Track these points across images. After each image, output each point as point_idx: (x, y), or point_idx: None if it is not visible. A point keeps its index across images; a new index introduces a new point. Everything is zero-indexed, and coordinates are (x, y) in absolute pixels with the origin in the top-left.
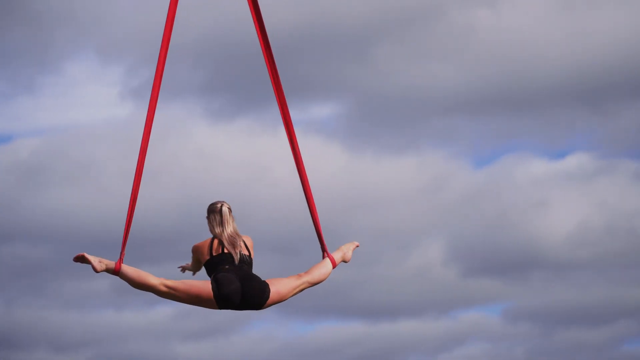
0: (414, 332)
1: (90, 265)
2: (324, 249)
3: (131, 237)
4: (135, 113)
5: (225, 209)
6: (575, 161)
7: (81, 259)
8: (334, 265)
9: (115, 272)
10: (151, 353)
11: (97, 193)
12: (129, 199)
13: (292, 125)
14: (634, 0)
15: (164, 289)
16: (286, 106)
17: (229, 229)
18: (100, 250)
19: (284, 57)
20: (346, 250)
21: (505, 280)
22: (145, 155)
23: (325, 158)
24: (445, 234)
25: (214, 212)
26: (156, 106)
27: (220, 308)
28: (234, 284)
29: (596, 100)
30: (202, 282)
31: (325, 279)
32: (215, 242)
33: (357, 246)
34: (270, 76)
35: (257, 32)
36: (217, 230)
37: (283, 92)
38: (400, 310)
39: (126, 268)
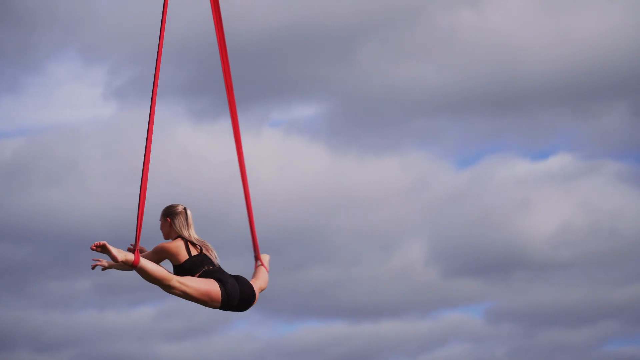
0: (396, 332)
1: (107, 256)
2: (257, 256)
3: (113, 237)
4: (118, 113)
5: (189, 211)
6: (557, 162)
7: (101, 248)
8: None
9: (134, 265)
10: (133, 353)
11: (80, 193)
12: (139, 194)
13: (239, 131)
14: (616, 2)
15: (177, 284)
16: (235, 109)
17: (194, 232)
18: (83, 250)
19: (268, 58)
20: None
21: (487, 280)
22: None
23: (309, 158)
24: (427, 235)
25: (180, 214)
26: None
27: (220, 309)
28: (236, 287)
29: (579, 101)
30: (209, 281)
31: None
32: (189, 243)
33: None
34: (225, 79)
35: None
36: (186, 232)
37: (233, 95)
38: (382, 311)
39: (145, 262)
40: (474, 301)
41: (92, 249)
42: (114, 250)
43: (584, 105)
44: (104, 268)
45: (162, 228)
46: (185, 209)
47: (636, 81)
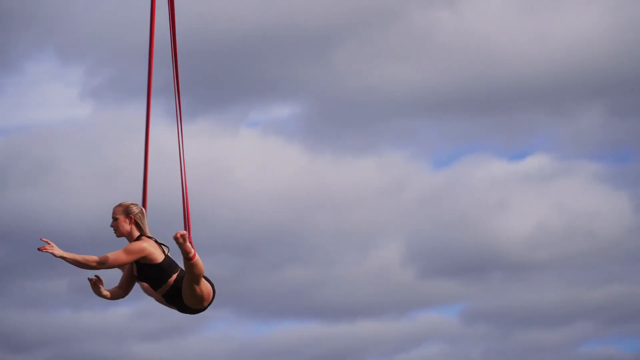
0: (372, 332)
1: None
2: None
3: (92, 236)
4: (95, 113)
5: (144, 210)
6: (534, 162)
7: (183, 239)
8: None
9: (191, 261)
10: (109, 353)
11: (57, 193)
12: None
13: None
14: (594, 3)
15: (202, 283)
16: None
17: None
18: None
19: (246, 59)
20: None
21: (463, 281)
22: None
23: (286, 158)
24: (404, 235)
25: (141, 213)
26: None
27: (204, 309)
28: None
29: (555, 102)
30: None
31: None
32: (156, 242)
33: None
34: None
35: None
36: (148, 231)
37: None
38: (358, 311)
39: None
40: (450, 302)
41: (177, 238)
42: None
43: (561, 106)
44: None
45: (120, 227)
46: (142, 207)
47: (612, 82)
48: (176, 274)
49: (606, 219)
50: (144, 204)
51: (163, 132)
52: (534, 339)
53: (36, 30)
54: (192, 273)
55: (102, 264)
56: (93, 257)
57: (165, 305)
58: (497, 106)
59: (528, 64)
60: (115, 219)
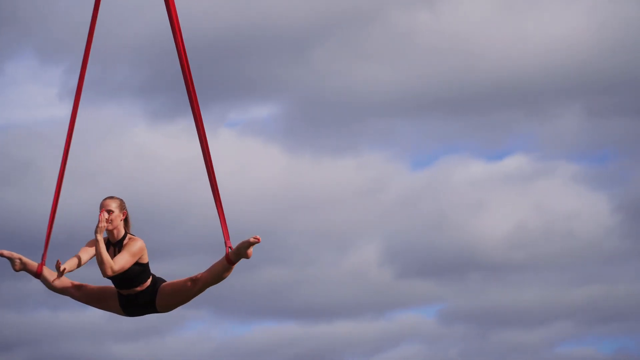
0: (350, 333)
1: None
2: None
3: (69, 237)
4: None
5: None
6: (513, 163)
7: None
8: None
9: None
10: (87, 353)
11: (35, 193)
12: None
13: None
14: (573, 3)
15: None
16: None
17: None
18: (38, 250)
19: (224, 59)
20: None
21: (441, 281)
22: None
23: (265, 159)
24: (382, 236)
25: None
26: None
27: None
28: None
29: (534, 102)
30: None
31: (221, 277)
32: None
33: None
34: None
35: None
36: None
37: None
38: (336, 311)
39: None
40: (428, 302)
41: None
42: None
43: (540, 107)
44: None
45: (114, 220)
46: None
47: (591, 83)
48: (152, 276)
49: (585, 220)
50: (53, 212)
51: (143, 132)
52: (512, 339)
53: (15, 30)
54: (221, 278)
55: (115, 272)
56: (112, 263)
57: (95, 305)
58: (476, 107)
59: (507, 64)
60: (110, 212)
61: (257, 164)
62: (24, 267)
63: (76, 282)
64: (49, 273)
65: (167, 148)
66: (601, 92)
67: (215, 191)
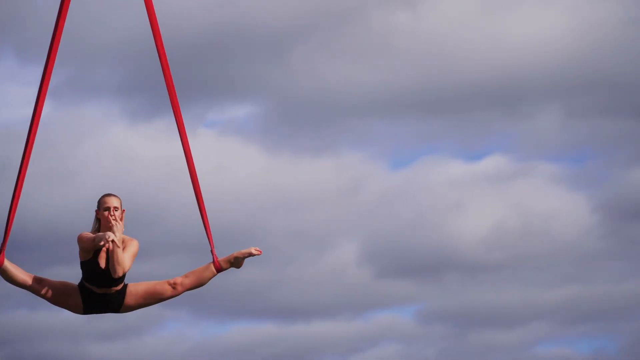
0: (327, 333)
1: None
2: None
3: (48, 237)
4: (52, 113)
5: None
6: (491, 163)
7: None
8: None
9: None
10: (64, 353)
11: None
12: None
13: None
14: (551, 4)
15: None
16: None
17: None
18: (13, 252)
19: (203, 58)
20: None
21: (419, 281)
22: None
23: (243, 159)
24: (360, 236)
25: None
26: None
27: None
28: None
29: (513, 102)
30: None
31: (204, 284)
32: None
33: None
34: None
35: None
36: None
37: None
38: (314, 311)
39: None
40: (406, 302)
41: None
42: None
43: (518, 108)
44: None
45: (122, 219)
46: None
47: (570, 83)
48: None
49: (563, 220)
50: (15, 202)
51: (122, 132)
52: (490, 340)
53: None
54: (204, 284)
55: (124, 273)
56: (125, 265)
57: (51, 301)
58: (455, 107)
59: (486, 65)
60: (117, 209)
61: (236, 163)
62: None
63: (37, 276)
64: (10, 264)
65: (146, 148)
66: (579, 93)
67: (200, 200)
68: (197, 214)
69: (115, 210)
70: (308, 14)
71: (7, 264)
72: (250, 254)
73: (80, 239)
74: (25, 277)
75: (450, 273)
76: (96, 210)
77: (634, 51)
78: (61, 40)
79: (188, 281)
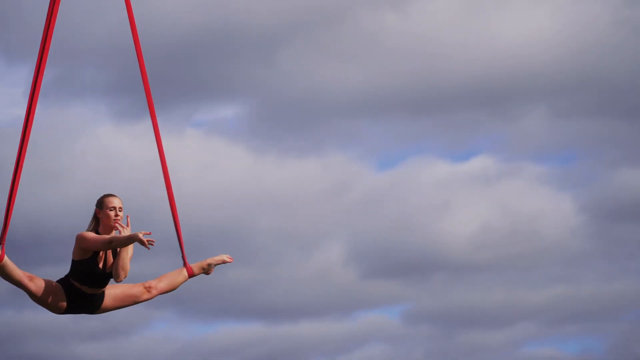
0: (314, 333)
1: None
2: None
3: (35, 237)
4: (39, 113)
5: None
6: (478, 164)
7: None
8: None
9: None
10: (51, 353)
11: (0, 193)
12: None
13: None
14: (538, 6)
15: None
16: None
17: None
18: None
19: (191, 58)
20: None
21: (406, 281)
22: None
23: (230, 159)
24: (347, 236)
25: None
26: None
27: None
28: None
29: (500, 103)
30: None
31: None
32: None
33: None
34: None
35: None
36: None
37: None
38: (301, 312)
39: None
40: (393, 302)
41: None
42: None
43: (505, 108)
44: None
45: (128, 225)
46: None
47: (556, 84)
48: None
49: (549, 220)
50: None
51: (108, 133)
52: (476, 340)
53: None
54: (180, 284)
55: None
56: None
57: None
58: (442, 108)
59: (473, 66)
60: (121, 210)
61: (223, 164)
62: None
63: (28, 273)
64: (9, 260)
65: (133, 148)
66: (566, 94)
67: (173, 207)
68: (186, 214)
69: (120, 211)
70: (295, 14)
71: (7, 260)
72: (223, 262)
73: (90, 239)
74: (21, 273)
75: (437, 273)
76: (97, 210)
77: (621, 52)
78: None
79: (162, 285)
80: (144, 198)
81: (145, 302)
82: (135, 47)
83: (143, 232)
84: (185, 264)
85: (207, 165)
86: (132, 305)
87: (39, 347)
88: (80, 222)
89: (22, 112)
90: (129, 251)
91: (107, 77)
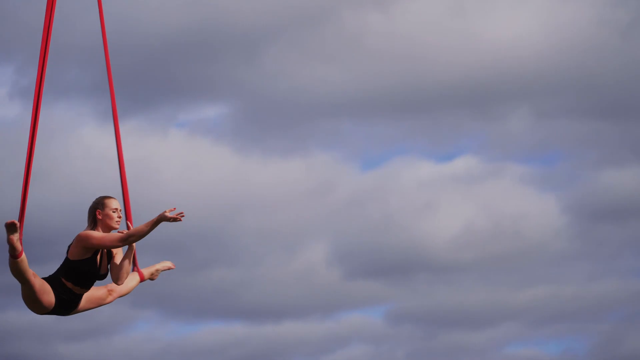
0: (297, 333)
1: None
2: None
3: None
4: (23, 113)
5: None
6: (462, 164)
7: (11, 228)
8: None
9: (19, 254)
10: (34, 353)
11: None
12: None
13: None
14: (521, 7)
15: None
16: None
17: None
18: None
19: (175, 58)
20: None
21: (389, 282)
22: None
23: (214, 159)
24: (330, 236)
25: None
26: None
27: None
28: None
29: (483, 103)
30: None
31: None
32: None
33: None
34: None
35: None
36: None
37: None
38: (284, 312)
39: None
40: (376, 303)
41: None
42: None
43: (488, 108)
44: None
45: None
46: None
47: (539, 85)
48: None
49: (532, 221)
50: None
51: (92, 132)
52: (459, 340)
53: None
54: (133, 288)
55: None
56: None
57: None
58: (425, 108)
59: (456, 66)
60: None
61: (207, 164)
62: (14, 242)
63: (32, 271)
64: (25, 257)
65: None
66: (549, 94)
67: (128, 214)
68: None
69: (120, 212)
70: (279, 15)
71: (24, 256)
72: (168, 268)
73: (99, 237)
74: (31, 271)
75: (420, 273)
76: (98, 211)
77: (604, 53)
78: (32, 41)
79: (120, 289)
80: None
81: (108, 304)
82: (104, 46)
83: (167, 210)
84: (137, 269)
85: (191, 166)
86: (96, 307)
87: (21, 347)
88: (64, 221)
89: (7, 112)
90: (132, 254)
91: (91, 77)
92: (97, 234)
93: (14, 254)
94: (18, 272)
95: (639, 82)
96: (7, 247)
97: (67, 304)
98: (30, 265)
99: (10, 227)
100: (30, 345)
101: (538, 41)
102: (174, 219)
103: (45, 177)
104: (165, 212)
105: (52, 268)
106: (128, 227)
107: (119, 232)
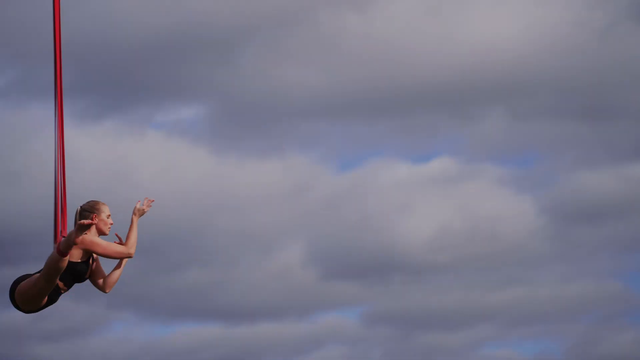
0: (272, 334)
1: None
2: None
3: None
4: (0, 113)
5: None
6: (438, 165)
7: (84, 228)
8: (60, 254)
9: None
10: (9, 354)
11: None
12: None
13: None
14: (498, 8)
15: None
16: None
17: None
18: None
19: (151, 59)
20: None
21: (365, 283)
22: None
23: (191, 160)
24: (306, 237)
25: None
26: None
27: None
28: None
29: (460, 105)
30: None
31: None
32: None
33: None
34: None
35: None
36: None
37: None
38: (259, 313)
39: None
40: (352, 304)
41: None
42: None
43: (465, 110)
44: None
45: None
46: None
47: (515, 86)
48: None
49: (509, 222)
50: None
51: (68, 133)
52: (435, 341)
53: None
54: (58, 272)
55: None
56: None
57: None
58: (402, 109)
59: (433, 68)
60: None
61: (183, 165)
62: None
63: None
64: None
65: (94, 148)
66: (525, 95)
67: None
68: (145, 215)
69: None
70: (256, 16)
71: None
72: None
73: (104, 245)
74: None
75: (396, 275)
76: (94, 215)
77: (580, 54)
78: (10, 41)
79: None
80: (104, 198)
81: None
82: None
83: (136, 204)
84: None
85: (168, 166)
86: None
87: None
88: (38, 222)
89: None
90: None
91: (67, 77)
92: (103, 242)
93: (65, 253)
94: (56, 269)
95: (615, 83)
96: (24, 244)
97: (50, 304)
98: (5, 265)
99: (84, 228)
100: (5, 345)
101: (515, 43)
102: (147, 207)
103: (21, 178)
104: (135, 207)
105: (25, 269)
106: (119, 237)
107: (115, 242)
